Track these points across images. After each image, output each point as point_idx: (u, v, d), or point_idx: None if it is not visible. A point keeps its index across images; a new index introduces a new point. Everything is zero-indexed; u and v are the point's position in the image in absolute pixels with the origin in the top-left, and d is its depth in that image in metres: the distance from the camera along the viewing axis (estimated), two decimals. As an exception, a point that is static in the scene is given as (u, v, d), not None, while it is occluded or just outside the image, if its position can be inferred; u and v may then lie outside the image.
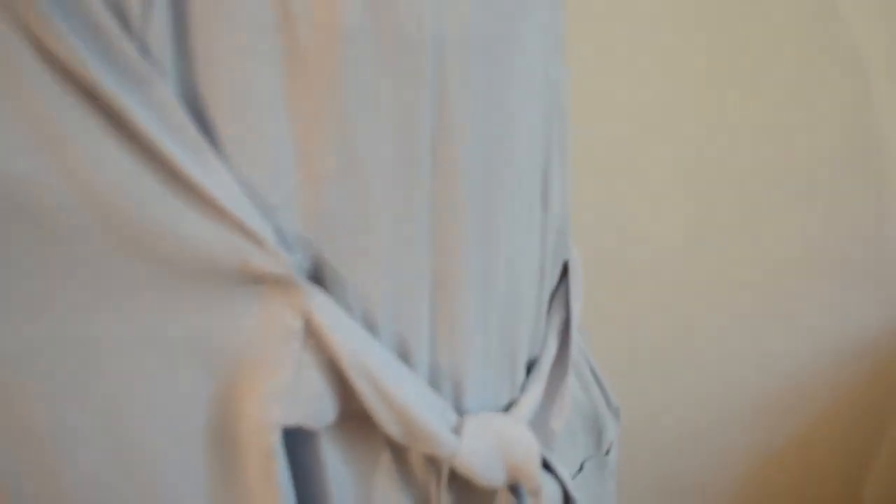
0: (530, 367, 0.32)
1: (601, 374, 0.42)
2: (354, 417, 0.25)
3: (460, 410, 0.28)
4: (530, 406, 0.30)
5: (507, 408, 0.31)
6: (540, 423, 0.32)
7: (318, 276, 0.23)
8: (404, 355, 0.26)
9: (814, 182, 0.90)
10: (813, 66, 0.84)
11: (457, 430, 0.26)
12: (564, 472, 0.29)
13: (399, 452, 0.27)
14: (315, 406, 0.24)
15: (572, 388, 0.39)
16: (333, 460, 0.26)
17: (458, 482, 0.28)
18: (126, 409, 0.23)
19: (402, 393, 0.24)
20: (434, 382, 0.27)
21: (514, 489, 0.29)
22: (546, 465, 0.29)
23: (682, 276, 0.91)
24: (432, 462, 0.28)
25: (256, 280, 0.22)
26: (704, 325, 0.93)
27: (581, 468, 0.41)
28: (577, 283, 0.35)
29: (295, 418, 0.23)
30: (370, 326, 0.24)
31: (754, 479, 1.04)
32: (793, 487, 1.06)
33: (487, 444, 0.26)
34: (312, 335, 0.23)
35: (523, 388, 0.31)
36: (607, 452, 0.42)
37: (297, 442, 0.25)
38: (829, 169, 0.89)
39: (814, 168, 0.89)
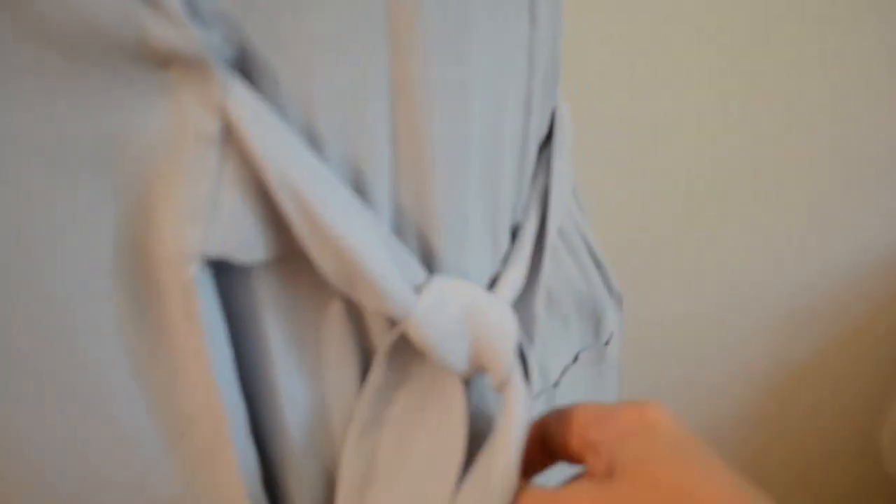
0: (513, 238, 0.28)
1: (602, 257, 0.37)
2: (296, 257, 0.21)
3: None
4: (513, 284, 0.25)
5: (490, 286, 0.26)
6: (522, 304, 0.27)
7: (244, 70, 0.18)
8: (359, 188, 0.21)
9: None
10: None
11: (419, 290, 0.22)
12: (535, 369, 0.24)
13: (356, 309, 0.23)
14: (240, 234, 0.19)
15: (567, 268, 0.35)
16: (272, 307, 0.22)
17: (405, 358, 0.23)
18: (10, 239, 0.19)
19: (343, 227, 0.19)
20: (398, 232, 0.22)
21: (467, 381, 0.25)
22: (522, 358, 0.25)
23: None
24: (392, 324, 0.24)
25: (161, 63, 0.17)
26: (727, 235, 0.90)
27: (576, 359, 0.37)
28: (564, 141, 0.30)
29: (216, 248, 0.19)
30: (312, 142, 0.20)
31: (774, 393, 1.02)
32: (814, 402, 1.04)
33: (452, 313, 0.22)
34: (234, 142, 0.18)
35: (506, 261, 0.27)
36: (607, 343, 0.38)
37: (229, 283, 0.21)
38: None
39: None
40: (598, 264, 0.36)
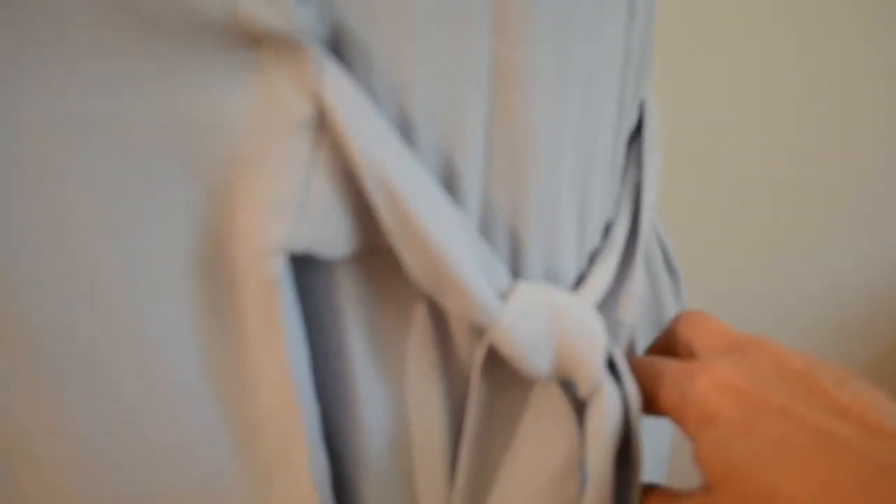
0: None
1: (677, 264, 0.35)
2: (381, 253, 0.20)
3: (516, 276, 0.22)
4: (601, 285, 0.24)
5: (576, 286, 0.25)
6: (607, 309, 0.26)
7: (336, 52, 0.17)
8: (449, 180, 0.19)
9: None
10: None
11: (505, 296, 0.20)
12: (630, 378, 0.23)
13: (439, 312, 0.22)
14: (327, 228, 0.18)
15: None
16: (354, 306, 0.20)
17: (500, 368, 0.22)
18: (78, 226, 0.17)
19: (432, 224, 0.18)
20: (486, 229, 0.21)
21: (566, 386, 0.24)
22: (611, 366, 0.23)
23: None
24: (477, 331, 0.22)
25: (251, 43, 0.16)
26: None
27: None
28: (655, 137, 0.28)
29: (303, 242, 0.18)
30: (404, 132, 0.18)
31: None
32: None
33: (538, 321, 0.20)
34: (327, 129, 0.17)
35: (592, 260, 0.25)
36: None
37: (308, 279, 0.20)
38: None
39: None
40: (672, 272, 0.34)
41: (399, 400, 0.22)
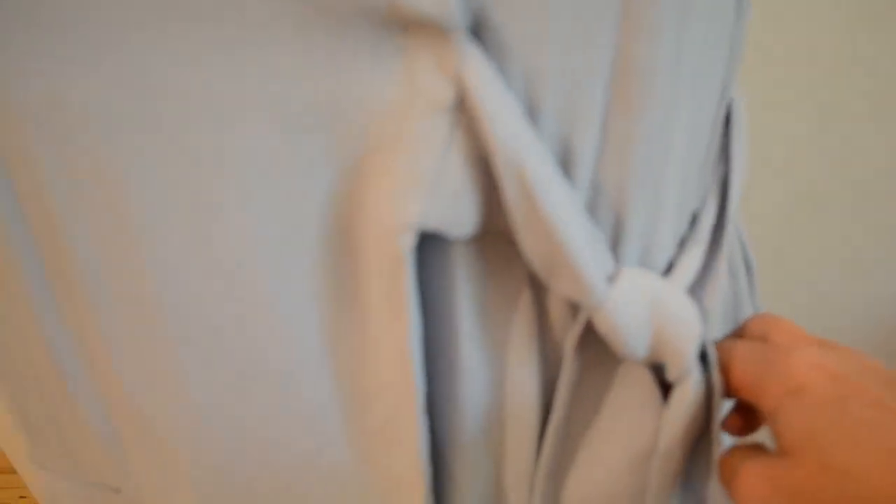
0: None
1: (753, 259, 0.36)
2: (493, 236, 0.20)
3: (615, 257, 0.23)
4: (690, 273, 0.24)
5: (665, 272, 0.25)
6: (694, 297, 0.26)
7: (476, 38, 0.18)
8: (565, 165, 0.20)
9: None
10: None
11: (611, 280, 0.21)
12: (716, 366, 0.23)
13: (540, 293, 0.23)
14: (458, 207, 0.19)
15: None
16: (467, 284, 0.21)
17: (591, 348, 0.23)
18: (220, 194, 0.18)
19: (556, 209, 0.19)
20: (593, 209, 0.22)
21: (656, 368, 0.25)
22: (702, 354, 0.24)
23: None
24: (573, 312, 0.23)
25: (401, 27, 0.17)
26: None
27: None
28: (742, 130, 0.28)
29: (434, 220, 0.18)
30: (530, 117, 0.19)
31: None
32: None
33: (640, 305, 0.21)
34: (465, 112, 0.18)
35: (682, 247, 0.26)
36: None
37: (426, 257, 0.20)
38: None
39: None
40: (748, 266, 0.35)
41: (497, 378, 0.23)
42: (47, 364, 0.24)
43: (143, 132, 0.18)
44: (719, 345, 0.24)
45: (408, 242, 0.19)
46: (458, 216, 0.19)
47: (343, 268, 0.20)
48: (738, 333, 0.26)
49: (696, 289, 0.26)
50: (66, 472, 0.29)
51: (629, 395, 0.23)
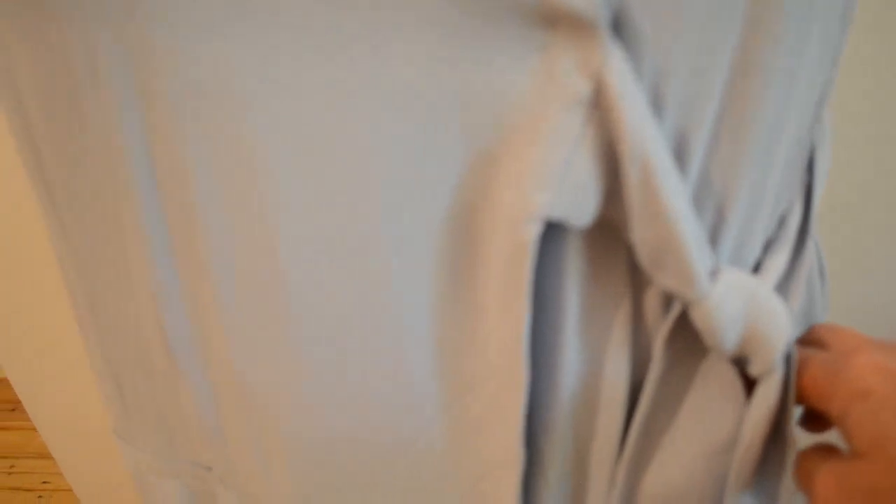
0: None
1: (826, 268, 0.36)
2: (603, 233, 0.21)
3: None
4: (776, 273, 0.25)
5: (753, 271, 0.26)
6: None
7: (614, 35, 0.18)
8: (680, 156, 0.21)
9: None
10: None
11: (713, 275, 0.22)
12: (795, 365, 0.24)
13: (638, 293, 0.23)
14: (582, 198, 0.19)
15: None
16: (575, 274, 0.22)
17: (679, 343, 0.23)
18: (351, 180, 0.19)
19: (674, 203, 0.19)
20: (698, 202, 0.22)
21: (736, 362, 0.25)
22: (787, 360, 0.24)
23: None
24: (665, 305, 0.23)
25: (548, 23, 0.18)
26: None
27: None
28: (825, 135, 0.29)
29: (559, 210, 0.19)
30: (655, 112, 0.20)
31: None
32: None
33: (738, 302, 0.22)
34: (599, 108, 0.18)
35: (768, 249, 0.26)
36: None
37: (539, 249, 0.21)
38: None
39: None
40: (822, 274, 0.35)
41: (595, 370, 0.24)
42: (162, 345, 0.25)
43: (282, 117, 0.19)
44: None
45: (533, 231, 0.19)
46: (581, 207, 0.20)
47: (462, 254, 0.21)
48: (800, 342, 0.27)
49: (781, 290, 0.27)
50: (156, 449, 0.30)
51: (713, 388, 0.24)
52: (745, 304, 0.22)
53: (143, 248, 0.23)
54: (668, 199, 0.19)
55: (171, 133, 0.20)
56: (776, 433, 0.25)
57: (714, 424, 0.24)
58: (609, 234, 0.21)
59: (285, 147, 0.19)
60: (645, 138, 0.19)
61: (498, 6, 0.17)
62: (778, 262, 0.26)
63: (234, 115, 0.19)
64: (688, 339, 0.23)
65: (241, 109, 0.19)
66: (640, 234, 0.20)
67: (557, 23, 0.18)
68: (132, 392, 0.28)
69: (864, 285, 0.88)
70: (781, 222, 0.27)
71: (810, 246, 0.32)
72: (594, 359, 0.23)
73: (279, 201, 0.20)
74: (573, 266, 0.22)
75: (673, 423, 0.25)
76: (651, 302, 0.24)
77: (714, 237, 0.23)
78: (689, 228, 0.20)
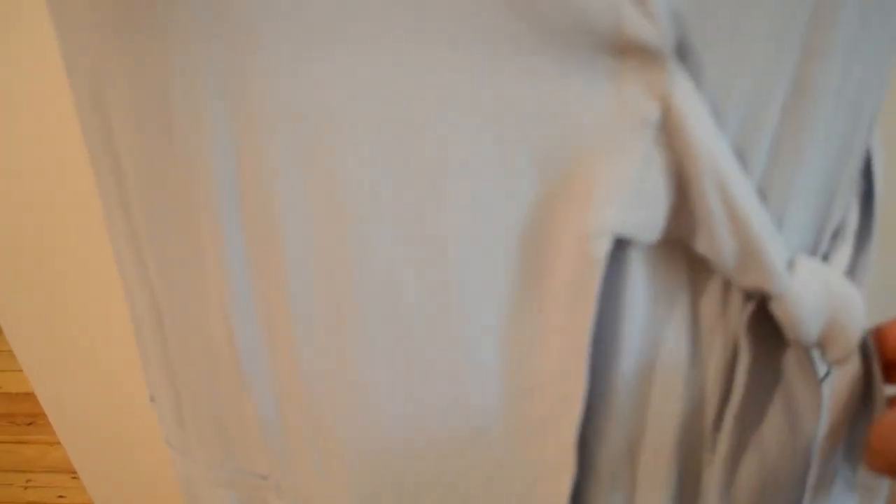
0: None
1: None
2: (666, 243, 0.22)
3: None
4: (842, 266, 0.26)
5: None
6: None
7: (681, 62, 0.20)
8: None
9: None
10: None
11: (791, 267, 0.23)
12: (873, 348, 0.25)
13: (696, 295, 0.24)
14: (651, 215, 0.21)
15: None
16: (634, 293, 0.23)
17: (760, 336, 0.24)
18: (431, 190, 0.20)
19: (752, 211, 0.21)
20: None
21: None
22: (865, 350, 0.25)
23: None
24: (725, 306, 0.24)
25: (619, 52, 0.19)
26: None
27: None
28: (879, 151, 0.30)
29: (629, 227, 0.20)
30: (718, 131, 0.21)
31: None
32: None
33: (817, 292, 0.23)
34: (667, 129, 0.19)
35: (826, 254, 0.27)
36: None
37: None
38: None
39: None
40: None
41: (647, 381, 0.24)
42: (230, 354, 0.26)
43: (369, 138, 0.20)
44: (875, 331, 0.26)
45: (604, 247, 0.20)
46: (649, 223, 0.21)
47: (533, 265, 0.22)
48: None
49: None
50: (211, 458, 0.31)
51: (797, 379, 0.25)
52: (824, 294, 0.23)
53: (219, 261, 0.24)
54: (748, 211, 0.20)
55: (259, 153, 0.21)
56: (862, 417, 0.26)
57: (801, 415, 0.25)
58: (670, 246, 0.22)
59: (370, 166, 0.20)
60: (717, 156, 0.20)
61: (572, 33, 0.18)
62: (840, 258, 0.27)
63: (324, 137, 0.20)
64: (768, 331, 0.24)
65: (331, 132, 0.20)
66: (719, 244, 0.21)
67: (627, 50, 0.19)
68: (191, 402, 0.29)
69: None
70: (836, 234, 0.28)
71: (870, 251, 0.33)
72: (651, 366, 0.24)
73: (359, 214, 0.21)
74: (636, 278, 0.23)
75: (764, 417, 0.26)
76: (708, 309, 0.24)
77: None
78: (769, 232, 0.21)
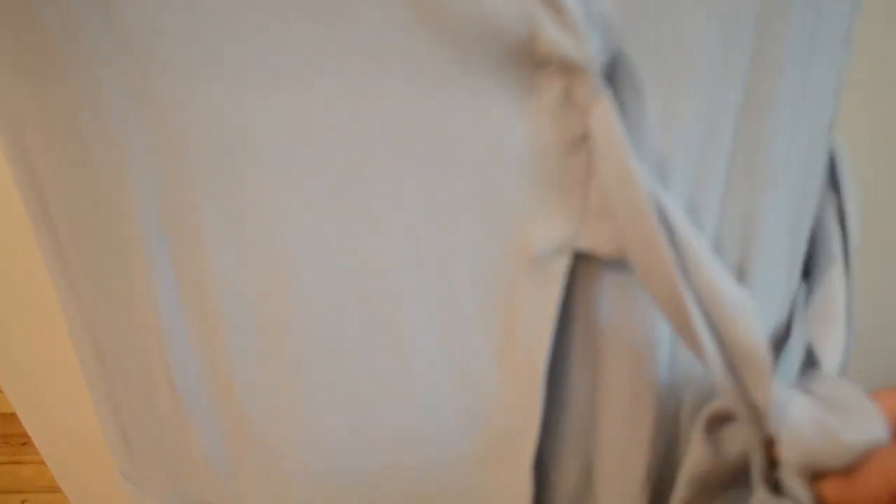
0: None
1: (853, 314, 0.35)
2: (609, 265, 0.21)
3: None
4: (840, 295, 0.25)
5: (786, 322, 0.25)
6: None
7: (610, 79, 0.18)
8: (693, 208, 0.21)
9: None
10: None
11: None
12: None
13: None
14: (604, 231, 0.20)
15: None
16: (602, 308, 0.22)
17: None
18: (362, 222, 0.20)
19: (686, 226, 0.19)
20: (719, 245, 0.22)
21: None
22: None
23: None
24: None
25: (538, 65, 0.18)
26: None
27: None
28: (845, 163, 0.29)
29: (584, 242, 0.20)
30: (663, 153, 0.19)
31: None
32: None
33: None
34: (595, 147, 0.18)
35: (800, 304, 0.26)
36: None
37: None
38: None
39: None
40: (848, 321, 0.35)
41: (591, 402, 0.24)
42: (170, 390, 0.25)
43: (292, 165, 0.19)
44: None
45: (562, 264, 0.20)
46: (604, 240, 0.20)
47: (477, 294, 0.21)
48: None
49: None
50: (160, 491, 0.30)
51: None
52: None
53: (150, 294, 0.23)
54: (692, 236, 0.19)
55: (180, 182, 0.20)
56: None
57: None
58: (626, 271, 0.21)
59: (296, 195, 0.19)
60: (638, 177, 0.18)
61: (488, 50, 0.17)
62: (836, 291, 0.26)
63: (245, 164, 0.19)
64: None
65: (252, 159, 0.19)
66: (643, 271, 0.20)
67: (547, 65, 0.18)
68: (138, 435, 0.28)
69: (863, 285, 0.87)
70: (823, 262, 0.27)
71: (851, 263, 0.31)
72: (593, 394, 0.23)
73: (291, 248, 0.20)
74: (597, 289, 0.22)
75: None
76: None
77: (742, 272, 0.23)
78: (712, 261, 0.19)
